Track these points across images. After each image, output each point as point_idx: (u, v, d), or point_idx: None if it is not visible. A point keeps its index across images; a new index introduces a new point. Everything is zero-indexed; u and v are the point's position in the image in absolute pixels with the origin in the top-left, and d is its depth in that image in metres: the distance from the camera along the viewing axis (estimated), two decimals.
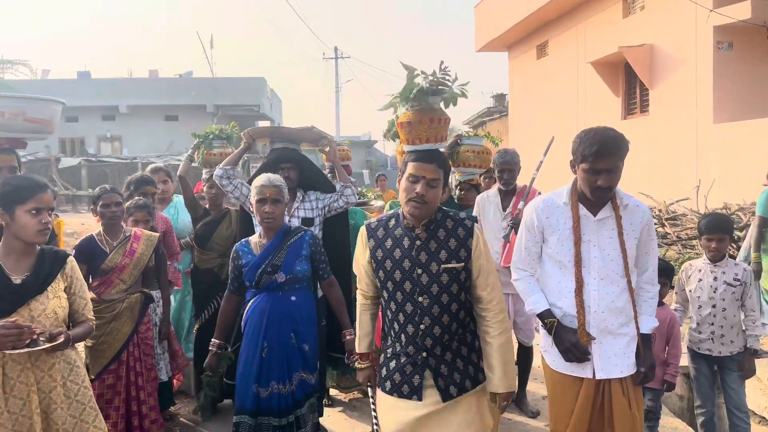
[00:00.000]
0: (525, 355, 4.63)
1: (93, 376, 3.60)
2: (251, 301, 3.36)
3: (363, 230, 2.65)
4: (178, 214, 5.01)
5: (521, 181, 4.59)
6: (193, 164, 5.10)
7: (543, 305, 2.73)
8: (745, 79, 10.47)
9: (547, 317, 2.71)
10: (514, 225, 4.11)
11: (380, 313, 2.78)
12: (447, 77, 2.78)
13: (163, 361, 4.15)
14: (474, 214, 4.57)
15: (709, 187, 9.01)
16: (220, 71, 54.79)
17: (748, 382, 4.01)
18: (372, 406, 2.81)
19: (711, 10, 10.06)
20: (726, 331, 3.74)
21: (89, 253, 3.68)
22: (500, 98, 24.48)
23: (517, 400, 4.64)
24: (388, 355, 2.62)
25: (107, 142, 31.00)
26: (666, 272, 3.78)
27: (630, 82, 13.21)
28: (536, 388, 5.03)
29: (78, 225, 14.51)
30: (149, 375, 3.81)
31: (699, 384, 3.92)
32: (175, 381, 4.59)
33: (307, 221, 4.06)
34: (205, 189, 4.77)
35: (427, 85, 2.76)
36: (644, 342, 2.71)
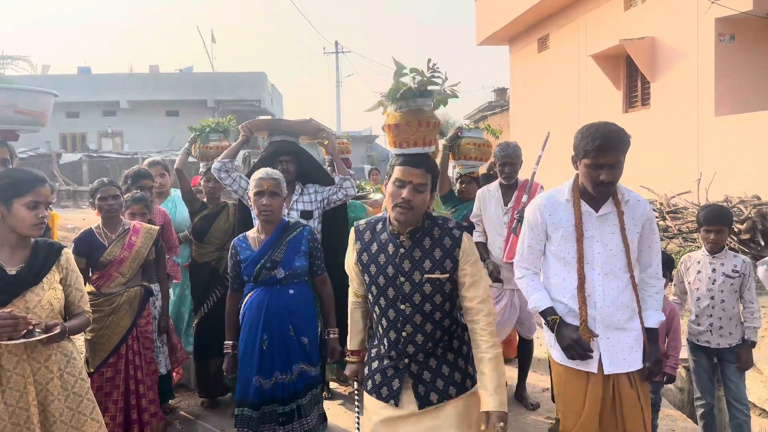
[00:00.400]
0: (525, 348, 4.63)
1: (92, 370, 3.61)
2: (249, 294, 3.36)
3: (352, 231, 2.61)
4: (176, 207, 5.00)
5: (522, 175, 4.56)
6: (191, 159, 5.09)
7: (546, 303, 2.73)
8: (746, 72, 10.42)
9: (549, 315, 2.71)
10: (521, 219, 4.10)
11: None
12: (436, 76, 2.67)
13: (162, 354, 4.15)
14: (475, 208, 4.55)
15: (710, 180, 8.98)
16: (220, 66, 54.84)
17: (749, 375, 4.01)
18: (356, 401, 2.80)
19: (712, 2, 10.01)
20: (725, 323, 3.73)
21: (88, 246, 3.68)
22: (501, 92, 24.41)
23: (517, 393, 4.65)
24: (372, 355, 2.60)
25: (108, 137, 31.01)
26: (666, 264, 3.77)
27: (631, 75, 13.17)
28: (536, 380, 5.03)
29: (79, 220, 14.52)
30: (149, 368, 3.81)
31: (698, 376, 3.92)
32: (174, 374, 4.60)
33: (306, 214, 4.05)
34: (202, 182, 4.76)
35: (415, 85, 2.64)
36: (650, 337, 2.71)
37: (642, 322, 2.70)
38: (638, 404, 2.63)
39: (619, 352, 2.65)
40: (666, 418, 4.31)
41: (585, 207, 2.68)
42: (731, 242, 7.11)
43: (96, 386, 3.59)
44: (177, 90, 29.83)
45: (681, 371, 4.99)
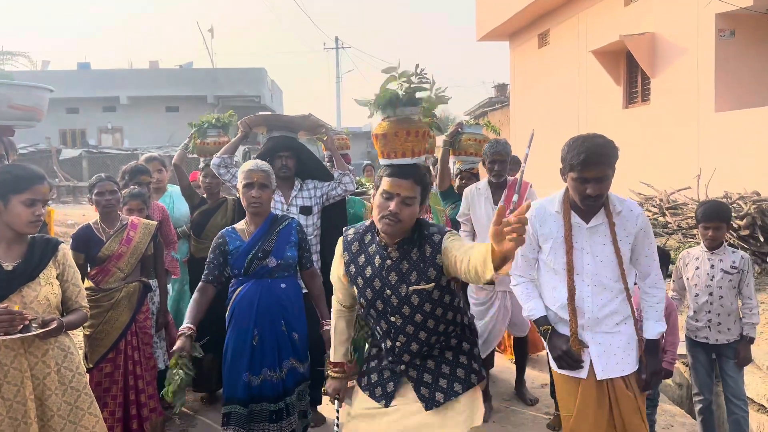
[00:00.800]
0: (521, 345, 4.63)
1: (91, 365, 3.61)
2: (239, 289, 3.25)
3: (340, 241, 2.55)
4: (173, 203, 5.00)
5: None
6: (190, 154, 5.09)
7: (539, 312, 2.73)
8: (747, 68, 10.40)
9: (542, 324, 2.71)
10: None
11: None
12: (424, 82, 2.56)
13: (161, 349, 4.16)
14: (462, 207, 4.48)
15: (710, 176, 8.97)
16: (220, 62, 54.73)
17: (747, 370, 4.02)
18: (336, 422, 2.71)
19: None
20: (723, 319, 3.73)
21: (86, 242, 3.68)
22: (502, 88, 24.38)
23: (516, 389, 4.66)
24: (372, 354, 2.57)
25: (108, 133, 30.98)
26: (662, 260, 3.77)
27: (631, 71, 13.15)
28: (535, 376, 5.04)
29: (79, 216, 14.52)
30: (148, 364, 3.82)
31: (696, 372, 3.92)
32: None
33: (306, 210, 4.04)
34: (200, 178, 4.76)
35: (402, 92, 2.52)
36: (649, 348, 2.70)
37: (635, 327, 2.69)
38: (636, 405, 2.62)
39: (612, 357, 2.63)
40: (664, 413, 4.32)
41: (575, 219, 2.67)
42: (730, 238, 7.11)
43: (95, 381, 3.60)
44: (177, 86, 29.78)
45: (681, 367, 5.00)
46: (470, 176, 4.97)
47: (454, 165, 5.09)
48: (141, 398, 3.70)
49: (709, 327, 3.77)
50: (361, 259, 2.45)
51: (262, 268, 3.22)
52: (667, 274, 3.92)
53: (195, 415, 4.42)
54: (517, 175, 4.37)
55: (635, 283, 2.81)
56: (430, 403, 2.37)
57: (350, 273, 2.48)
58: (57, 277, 2.64)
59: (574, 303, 2.64)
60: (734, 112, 10.11)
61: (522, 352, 4.65)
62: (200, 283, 3.25)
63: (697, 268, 3.80)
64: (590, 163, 2.50)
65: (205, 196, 4.74)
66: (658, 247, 4.01)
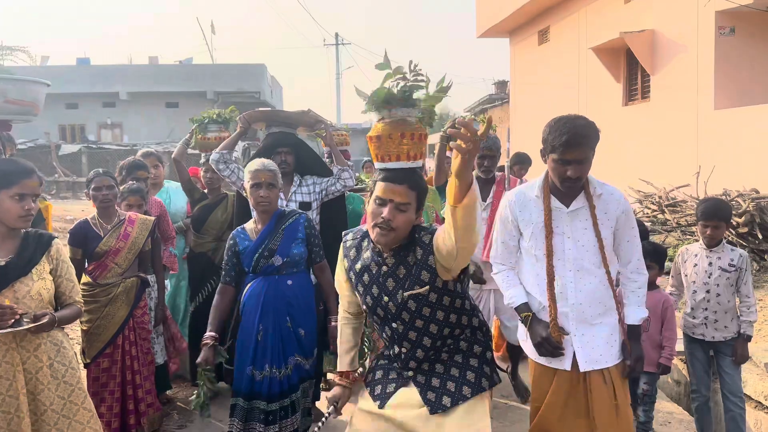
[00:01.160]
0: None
1: (89, 360, 3.62)
2: (248, 285, 3.37)
3: (341, 247, 2.50)
4: (170, 199, 5.01)
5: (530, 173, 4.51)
6: (189, 150, 5.09)
7: (520, 298, 2.71)
8: (746, 65, 10.40)
9: (523, 311, 2.69)
10: None
11: None
12: (420, 80, 2.42)
13: (158, 345, 4.16)
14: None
15: (709, 173, 8.98)
16: (220, 58, 54.69)
17: (744, 367, 4.02)
18: (322, 421, 2.51)
19: None
20: (720, 317, 3.73)
21: (83, 237, 3.69)
22: (502, 85, 24.40)
23: (513, 383, 4.66)
24: (384, 353, 2.51)
25: (108, 129, 30.98)
26: (655, 255, 3.77)
27: (631, 68, 13.14)
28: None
29: (78, 211, 14.53)
30: (145, 359, 3.82)
31: (694, 369, 3.92)
32: (171, 365, 4.61)
33: (305, 205, 4.05)
34: (201, 173, 4.77)
35: (398, 91, 2.37)
36: (631, 334, 2.68)
37: (619, 318, 2.66)
38: (611, 402, 2.58)
39: (595, 348, 2.61)
40: (662, 410, 4.32)
41: (555, 203, 2.64)
42: (729, 235, 7.11)
43: (92, 376, 3.61)
44: (176, 81, 29.78)
45: (679, 364, 5.00)
46: None
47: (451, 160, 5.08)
48: (138, 393, 3.71)
49: (706, 324, 3.77)
50: (358, 266, 2.40)
51: (269, 266, 3.30)
52: (664, 272, 3.93)
53: (192, 411, 4.41)
54: (517, 173, 4.38)
55: (618, 272, 2.77)
56: (435, 407, 2.28)
57: (351, 279, 2.43)
58: (50, 273, 2.65)
59: (554, 288, 2.60)
60: (734, 110, 10.11)
61: (515, 348, 4.64)
62: (219, 286, 3.36)
63: (696, 265, 3.80)
64: (572, 145, 2.47)
65: (205, 191, 4.74)
66: (655, 244, 4.02)
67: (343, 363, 2.58)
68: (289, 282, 3.33)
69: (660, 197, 9.46)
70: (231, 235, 3.42)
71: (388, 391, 2.37)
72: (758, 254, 7.12)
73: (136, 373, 3.70)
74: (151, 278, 4.07)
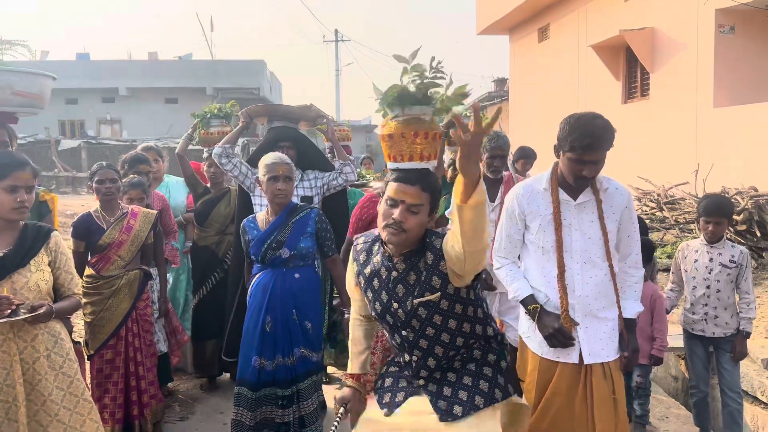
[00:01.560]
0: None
1: (92, 352, 3.65)
2: (256, 276, 3.45)
3: (352, 249, 2.43)
4: (170, 193, 5.03)
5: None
6: (192, 144, 5.11)
7: (526, 291, 2.71)
8: (746, 63, 10.40)
9: (530, 303, 2.68)
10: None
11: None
12: (440, 77, 2.30)
13: (161, 333, 4.19)
14: (453, 204, 4.40)
15: (708, 171, 9.00)
16: (219, 54, 54.58)
17: (742, 363, 4.05)
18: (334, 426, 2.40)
19: None
20: (719, 313, 3.76)
21: (86, 229, 3.70)
22: (501, 82, 24.36)
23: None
24: (396, 359, 2.44)
25: (107, 124, 30.90)
26: (645, 251, 3.78)
27: (631, 66, 13.15)
28: None
29: (78, 206, 14.52)
30: (148, 351, 3.85)
31: (693, 365, 3.95)
32: (173, 358, 4.63)
33: (306, 200, 4.08)
34: (204, 168, 4.79)
35: (414, 88, 2.26)
36: (628, 327, 2.71)
37: (620, 312, 2.69)
38: (610, 396, 2.60)
39: (598, 342, 2.63)
40: (660, 404, 4.36)
41: (563, 195, 2.67)
42: (727, 233, 7.13)
43: (96, 368, 3.64)
44: (176, 77, 29.68)
45: (677, 360, 5.03)
46: None
47: (447, 156, 5.09)
48: (142, 384, 3.73)
49: (705, 320, 3.79)
50: (368, 270, 2.32)
51: (276, 258, 3.36)
52: (658, 269, 3.94)
53: (194, 402, 4.45)
54: (527, 172, 4.38)
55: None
56: (445, 416, 2.19)
57: (360, 284, 2.37)
58: (49, 264, 2.67)
59: (564, 280, 2.62)
60: (733, 108, 10.13)
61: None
62: (245, 265, 3.62)
63: (696, 260, 3.82)
64: (593, 148, 2.51)
65: (208, 185, 4.77)
66: (643, 239, 4.05)
67: (354, 366, 2.51)
68: (297, 275, 3.39)
69: (659, 195, 9.48)
70: (241, 223, 3.50)
71: (397, 400, 2.30)
72: (756, 252, 7.14)
73: (139, 365, 3.72)
74: (154, 271, 4.09)
